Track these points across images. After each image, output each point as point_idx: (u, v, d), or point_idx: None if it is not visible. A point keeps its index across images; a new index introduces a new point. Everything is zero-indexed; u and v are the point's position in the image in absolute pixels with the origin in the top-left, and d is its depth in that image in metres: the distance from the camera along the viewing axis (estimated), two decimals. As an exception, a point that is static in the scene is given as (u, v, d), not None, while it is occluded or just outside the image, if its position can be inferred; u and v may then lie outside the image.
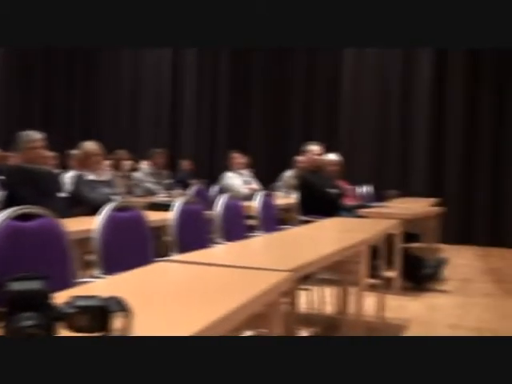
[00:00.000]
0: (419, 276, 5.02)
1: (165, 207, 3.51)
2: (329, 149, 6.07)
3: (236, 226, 3.58)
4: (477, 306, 4.54)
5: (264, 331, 1.80)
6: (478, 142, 8.42)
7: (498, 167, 8.30)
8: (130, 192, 6.29)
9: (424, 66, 8.69)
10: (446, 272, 5.47)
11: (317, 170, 5.46)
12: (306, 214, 5.09)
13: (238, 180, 6.59)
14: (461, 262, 6.59)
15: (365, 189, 7.42)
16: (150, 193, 6.49)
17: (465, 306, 4.52)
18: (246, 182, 6.62)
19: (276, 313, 1.78)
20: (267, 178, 7.73)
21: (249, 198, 5.20)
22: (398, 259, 4.57)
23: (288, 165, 7.46)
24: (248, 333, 1.93)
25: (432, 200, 6.84)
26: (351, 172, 7.61)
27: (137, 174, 6.97)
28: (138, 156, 8.07)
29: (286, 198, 6.20)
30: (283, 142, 9.46)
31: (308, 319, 3.84)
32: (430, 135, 8.65)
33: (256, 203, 4.13)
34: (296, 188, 5.57)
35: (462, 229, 8.30)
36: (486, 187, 8.33)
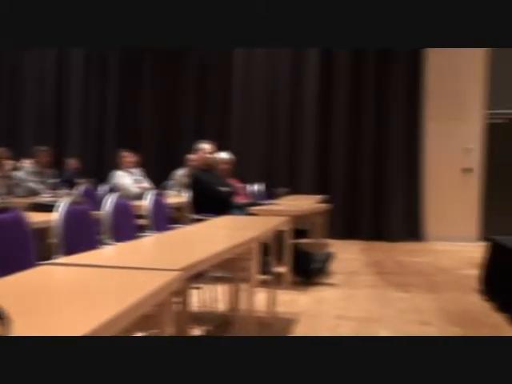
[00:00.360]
0: (308, 270, 5.20)
1: (49, 208, 3.34)
2: (220, 147, 6.10)
3: (126, 226, 3.50)
4: (361, 297, 4.79)
5: (155, 332, 1.77)
6: (361, 142, 8.88)
7: (380, 167, 8.82)
8: (10, 192, 5.93)
9: (311, 66, 8.99)
10: (333, 266, 5.71)
11: (208, 168, 5.47)
12: (198, 212, 5.09)
13: (128, 179, 6.43)
14: (346, 255, 6.91)
15: (256, 187, 7.55)
16: (33, 193, 6.16)
17: (350, 297, 4.75)
18: (136, 181, 6.48)
19: (167, 313, 1.76)
20: (159, 176, 7.63)
21: (139, 197, 5.10)
22: (287, 255, 4.70)
23: (180, 163, 7.41)
24: (139, 334, 1.89)
25: (319, 197, 7.11)
26: (243, 170, 7.71)
27: (18, 174, 6.58)
28: (21, 155, 7.62)
29: (178, 196, 6.16)
30: (175, 141, 9.38)
31: (200, 318, 3.84)
32: (318, 135, 8.97)
33: (147, 202, 4.06)
34: (188, 187, 5.54)
35: (347, 224, 8.72)
36: (368, 185, 8.82)
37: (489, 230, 8.36)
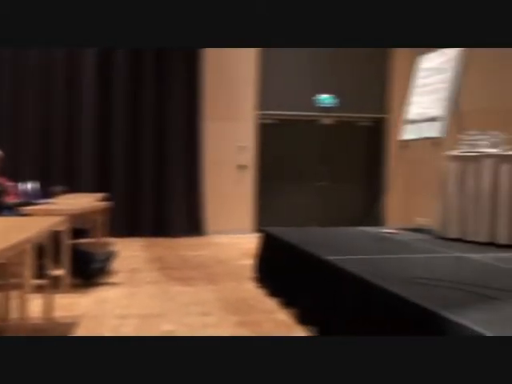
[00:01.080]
0: (88, 271, 5.03)
1: None
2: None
3: None
4: (143, 293, 4.79)
5: None
6: (141, 142, 8.86)
7: (160, 165, 8.91)
8: None
9: (88, 66, 8.67)
10: (116, 264, 5.62)
11: (-28, 165, 4.94)
12: (-41, 215, 4.56)
13: None
14: (129, 253, 6.85)
15: (30, 185, 7.03)
16: None
17: (132, 295, 4.73)
18: None
19: None
20: None
21: None
22: (65, 256, 4.49)
23: None
24: None
25: (99, 195, 6.91)
26: (14, 168, 7.13)
27: None
28: None
29: None
30: None
31: (-35, 332, 3.45)
32: (98, 134, 8.70)
33: None
34: None
35: (129, 222, 8.64)
36: (150, 184, 8.85)
37: (261, 222, 9.05)
